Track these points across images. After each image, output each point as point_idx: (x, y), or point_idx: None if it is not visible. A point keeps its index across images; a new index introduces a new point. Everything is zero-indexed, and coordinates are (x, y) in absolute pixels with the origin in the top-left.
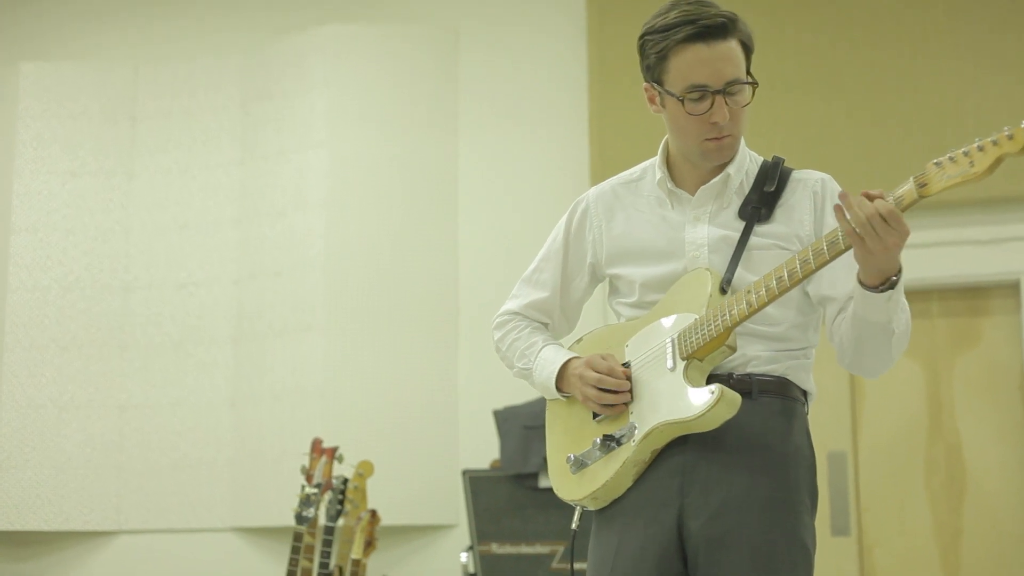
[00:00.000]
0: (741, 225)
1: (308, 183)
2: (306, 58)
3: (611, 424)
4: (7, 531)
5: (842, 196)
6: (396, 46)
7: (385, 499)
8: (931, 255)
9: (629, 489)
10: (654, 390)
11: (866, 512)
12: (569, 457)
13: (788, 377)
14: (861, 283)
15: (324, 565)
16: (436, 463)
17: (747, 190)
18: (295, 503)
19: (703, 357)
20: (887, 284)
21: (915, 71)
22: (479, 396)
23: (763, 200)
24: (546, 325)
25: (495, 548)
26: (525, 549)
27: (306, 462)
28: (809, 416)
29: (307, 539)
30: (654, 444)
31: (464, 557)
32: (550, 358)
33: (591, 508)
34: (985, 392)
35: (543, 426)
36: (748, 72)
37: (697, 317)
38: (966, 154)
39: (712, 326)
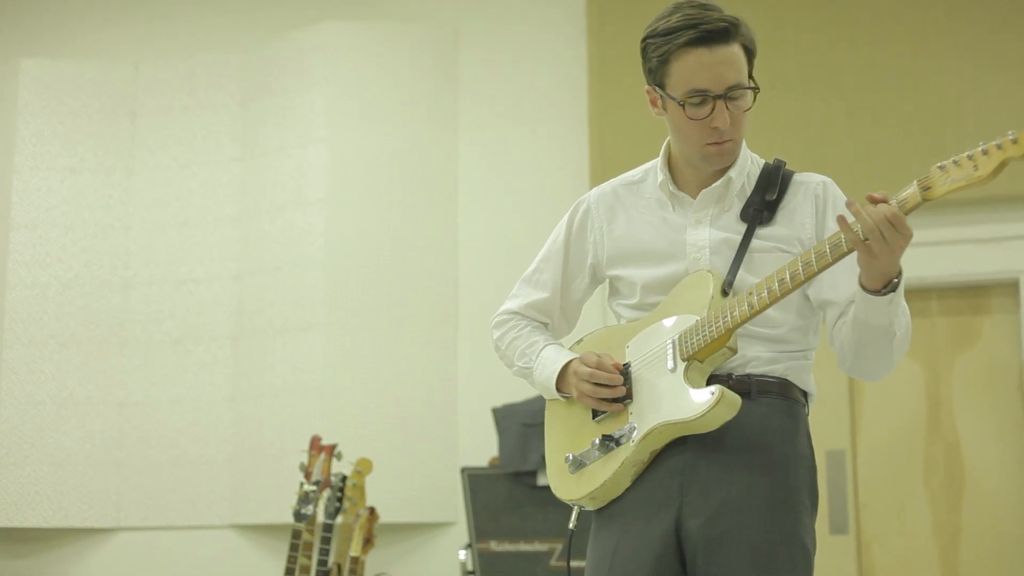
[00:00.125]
0: (743, 228)
1: (308, 180)
2: (306, 55)
3: (610, 424)
4: (6, 528)
5: (849, 204)
6: (396, 44)
7: (384, 496)
8: (930, 254)
9: (628, 489)
10: (654, 391)
11: (865, 510)
12: (568, 457)
13: (788, 378)
14: (863, 287)
15: (323, 562)
16: (435, 461)
17: (749, 192)
18: (294, 500)
19: (704, 358)
20: (889, 287)
21: (915, 71)
22: (478, 394)
23: (764, 203)
24: (546, 325)
25: (494, 546)
26: (523, 547)
27: (305, 459)
28: (809, 416)
29: (306, 536)
30: (653, 445)
31: (463, 555)
32: (551, 358)
33: (589, 508)
34: (984, 391)
35: (542, 424)
36: (750, 76)
37: (698, 319)
38: (970, 158)
39: (713, 328)
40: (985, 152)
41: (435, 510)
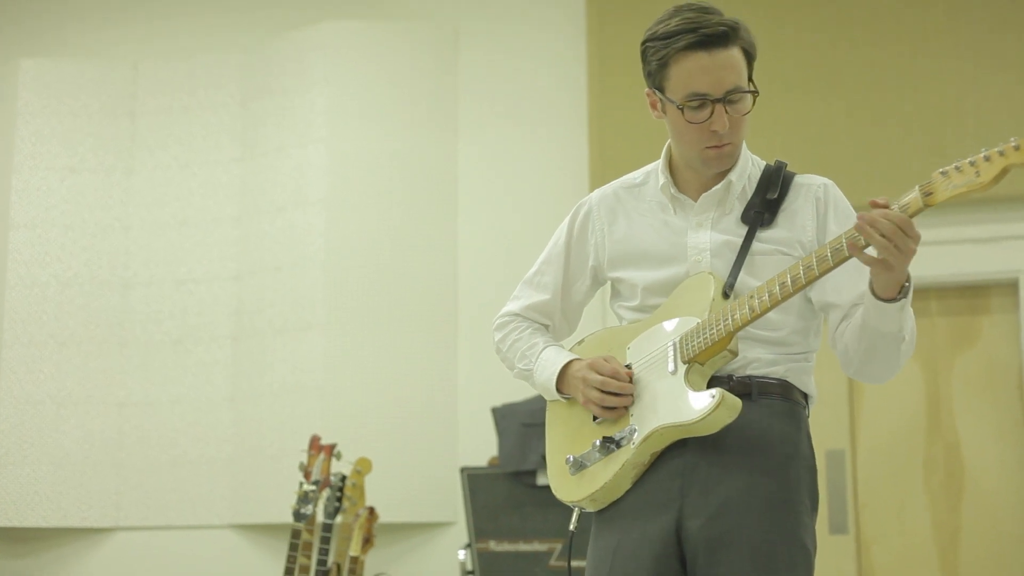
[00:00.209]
0: (743, 230)
1: (308, 180)
2: (306, 55)
3: (611, 426)
4: (5, 527)
5: (859, 227)
6: (396, 44)
7: (383, 496)
8: (930, 254)
9: (628, 491)
10: (655, 393)
11: (864, 510)
12: (568, 458)
13: (789, 380)
14: (875, 295)
15: (322, 562)
16: (434, 460)
17: (749, 195)
18: (293, 500)
19: (704, 361)
20: (901, 293)
21: (915, 71)
22: (478, 394)
23: (766, 205)
24: (547, 327)
25: (493, 545)
26: (523, 547)
27: (304, 459)
28: (809, 417)
29: (305, 536)
30: (653, 447)
31: (462, 554)
32: (551, 359)
33: (590, 509)
34: (984, 391)
35: (541, 424)
36: (750, 79)
37: (699, 321)
38: (972, 164)
39: (714, 330)
40: (987, 158)
41: (435, 510)
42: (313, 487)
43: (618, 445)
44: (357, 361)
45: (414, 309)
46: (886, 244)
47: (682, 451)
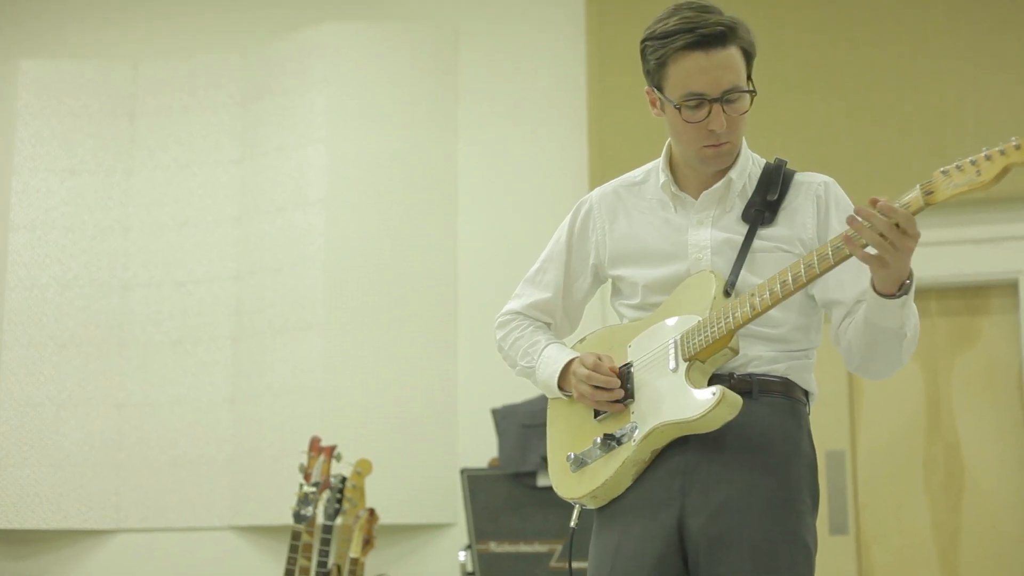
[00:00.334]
0: (744, 228)
1: (308, 180)
2: (306, 56)
3: (612, 423)
4: (5, 529)
5: (850, 221)
6: (396, 44)
7: (383, 498)
8: (930, 254)
9: (629, 488)
10: (656, 390)
11: (864, 511)
12: (569, 455)
13: (790, 377)
14: (876, 291)
15: (322, 564)
16: (434, 462)
17: (750, 193)
18: (293, 502)
19: (705, 359)
20: (902, 290)
21: (915, 71)
22: (478, 395)
23: (766, 203)
24: (548, 325)
25: (493, 547)
26: (523, 548)
27: (304, 460)
28: (810, 415)
29: (305, 538)
30: (654, 444)
31: (462, 556)
32: (553, 356)
33: (590, 506)
34: (984, 391)
35: (541, 425)
36: (749, 78)
37: (700, 319)
38: (973, 163)
39: (715, 328)
40: (988, 157)
41: (435, 511)
42: (313, 489)
43: (619, 442)
44: (357, 361)
45: (414, 309)
46: (881, 241)
47: (683, 449)
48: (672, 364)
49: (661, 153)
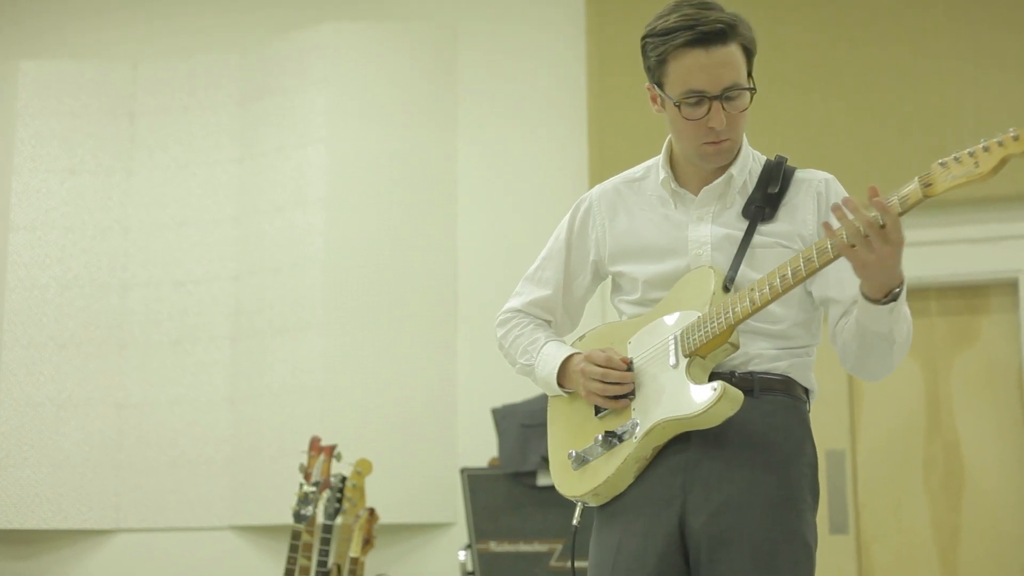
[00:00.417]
0: (744, 224)
1: (307, 180)
2: (305, 55)
3: (613, 420)
4: (5, 529)
5: (834, 208)
6: (396, 44)
7: (383, 497)
8: (929, 254)
9: (631, 486)
10: (656, 387)
11: (864, 510)
12: (571, 453)
13: (790, 375)
14: (864, 295)
15: (322, 563)
16: (434, 461)
17: (750, 190)
18: (293, 501)
19: (706, 354)
20: (889, 296)
21: (915, 71)
22: (478, 394)
23: (766, 199)
24: (549, 323)
25: (493, 546)
26: (523, 547)
27: (304, 460)
28: (810, 412)
29: (305, 537)
30: (656, 441)
31: (462, 555)
32: (552, 354)
33: (592, 504)
34: (983, 390)
35: (541, 424)
36: (750, 75)
37: (700, 314)
38: (971, 155)
39: (715, 323)
40: (986, 149)
41: (435, 511)
42: (313, 488)
43: (620, 439)
44: (357, 361)
45: (414, 309)
46: (858, 235)
47: (684, 447)
48: (672, 360)
49: (662, 149)
